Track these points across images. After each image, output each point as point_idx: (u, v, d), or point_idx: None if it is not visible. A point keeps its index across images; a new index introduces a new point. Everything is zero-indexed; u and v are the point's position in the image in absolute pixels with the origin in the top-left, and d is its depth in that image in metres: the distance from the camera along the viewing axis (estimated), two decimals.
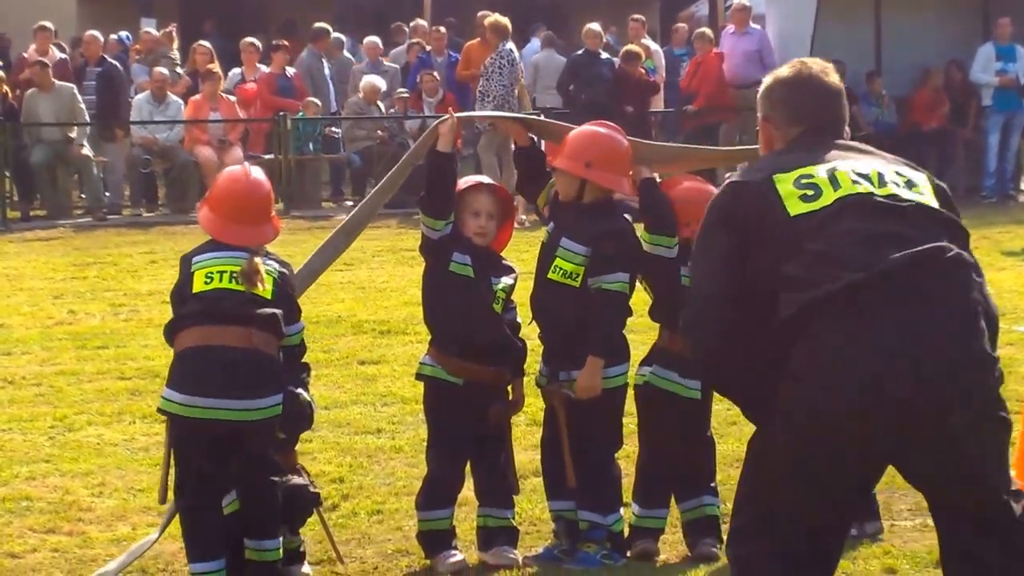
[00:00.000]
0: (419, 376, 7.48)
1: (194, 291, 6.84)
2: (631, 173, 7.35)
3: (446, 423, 7.38)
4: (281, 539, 6.93)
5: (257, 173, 7.17)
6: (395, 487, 8.65)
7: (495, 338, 7.34)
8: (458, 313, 7.33)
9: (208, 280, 6.83)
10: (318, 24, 23.36)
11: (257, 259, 6.87)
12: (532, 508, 8.08)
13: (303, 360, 7.24)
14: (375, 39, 24.12)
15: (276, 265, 6.97)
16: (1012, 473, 8.15)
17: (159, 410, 6.90)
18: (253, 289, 6.80)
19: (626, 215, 7.40)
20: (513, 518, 7.46)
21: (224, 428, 6.72)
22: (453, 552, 7.31)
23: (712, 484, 7.60)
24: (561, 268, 7.29)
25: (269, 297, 6.84)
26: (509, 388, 7.49)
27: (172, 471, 6.94)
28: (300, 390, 7.12)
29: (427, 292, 7.47)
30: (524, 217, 19.41)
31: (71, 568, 7.47)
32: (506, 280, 7.41)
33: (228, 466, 6.83)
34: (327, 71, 23.13)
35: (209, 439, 6.76)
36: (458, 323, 7.33)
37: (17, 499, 8.49)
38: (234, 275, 6.82)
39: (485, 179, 7.68)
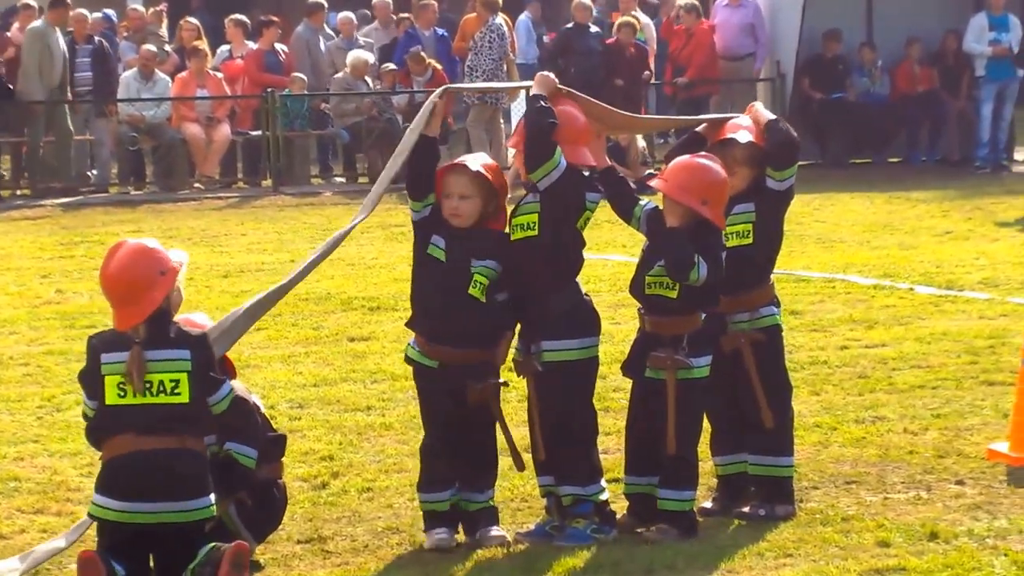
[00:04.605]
0: (406, 359, 7.47)
1: (107, 403, 6.57)
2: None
3: (428, 406, 7.40)
4: None
5: (127, 249, 6.69)
6: (385, 464, 8.60)
7: (467, 322, 7.25)
8: (431, 297, 7.32)
9: (122, 393, 6.55)
10: None
11: (135, 357, 6.49)
12: (524, 484, 8.02)
13: (247, 414, 6.92)
14: (349, 15, 23.89)
15: (186, 352, 6.60)
16: (1007, 444, 8.14)
17: (90, 515, 6.68)
18: (140, 394, 6.49)
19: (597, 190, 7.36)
20: (491, 500, 7.43)
21: (162, 529, 6.53)
22: (441, 529, 7.28)
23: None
24: (520, 224, 7.28)
25: (186, 401, 6.57)
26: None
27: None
28: (231, 445, 6.88)
29: (412, 274, 7.49)
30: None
31: None
32: (489, 264, 7.28)
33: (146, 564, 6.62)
34: (323, 46, 22.98)
35: (134, 535, 6.56)
36: (431, 307, 7.32)
37: (5, 479, 8.45)
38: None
39: (470, 159, 7.50)
